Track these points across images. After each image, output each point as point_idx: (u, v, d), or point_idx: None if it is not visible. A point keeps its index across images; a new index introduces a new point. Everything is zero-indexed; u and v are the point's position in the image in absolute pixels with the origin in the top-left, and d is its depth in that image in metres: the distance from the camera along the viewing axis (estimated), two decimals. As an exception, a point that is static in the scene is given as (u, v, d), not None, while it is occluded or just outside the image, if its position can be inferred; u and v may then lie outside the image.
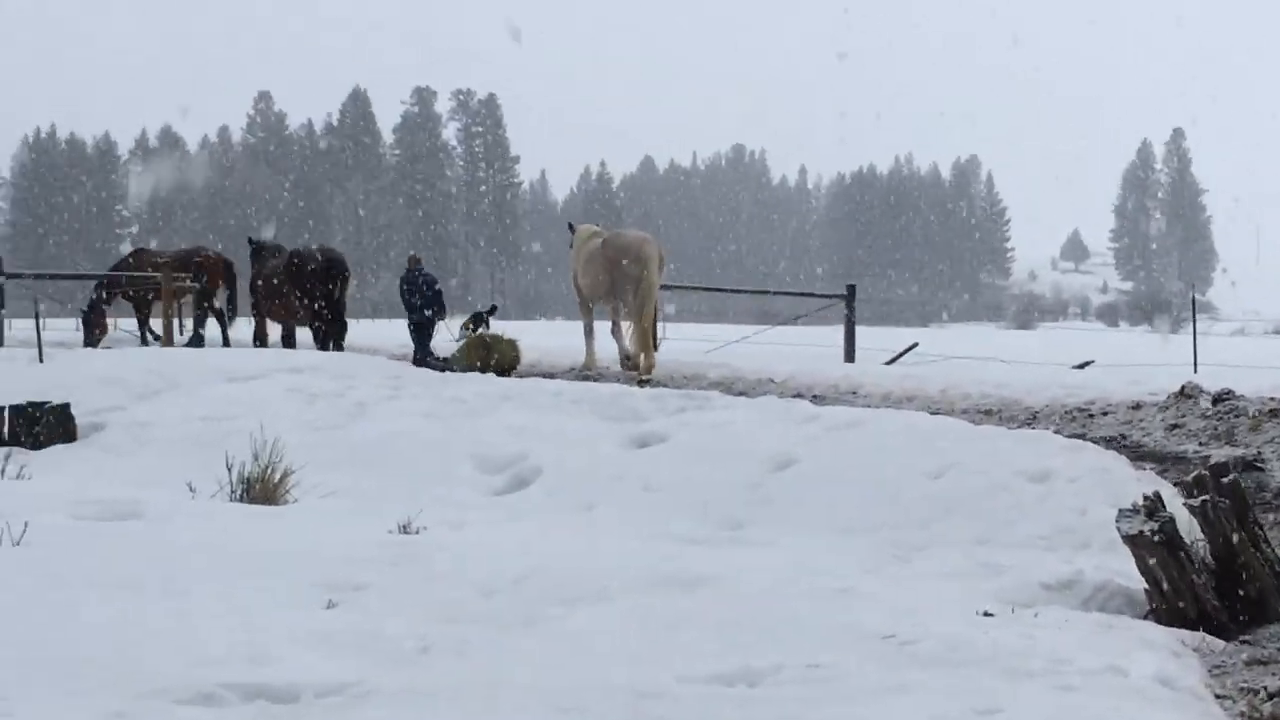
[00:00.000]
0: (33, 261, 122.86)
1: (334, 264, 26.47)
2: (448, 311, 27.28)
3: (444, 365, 23.53)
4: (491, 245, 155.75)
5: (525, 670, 6.56)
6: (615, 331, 24.84)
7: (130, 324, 32.54)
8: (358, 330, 29.82)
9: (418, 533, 10.31)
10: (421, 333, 26.42)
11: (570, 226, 27.36)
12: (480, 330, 24.95)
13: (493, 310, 26.20)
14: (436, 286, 26.67)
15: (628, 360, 23.93)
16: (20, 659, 6.11)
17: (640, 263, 23.99)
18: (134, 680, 5.94)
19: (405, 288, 26.80)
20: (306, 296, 26.06)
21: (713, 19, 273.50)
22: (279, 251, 27.68)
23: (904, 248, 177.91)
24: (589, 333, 25.12)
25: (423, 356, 25.49)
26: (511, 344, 24.36)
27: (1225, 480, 9.01)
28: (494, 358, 23.80)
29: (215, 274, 30.45)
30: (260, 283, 27.20)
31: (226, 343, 29.85)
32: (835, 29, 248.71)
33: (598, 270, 24.48)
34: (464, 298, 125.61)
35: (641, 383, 21.05)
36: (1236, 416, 15.41)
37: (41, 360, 19.48)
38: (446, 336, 26.88)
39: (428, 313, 26.43)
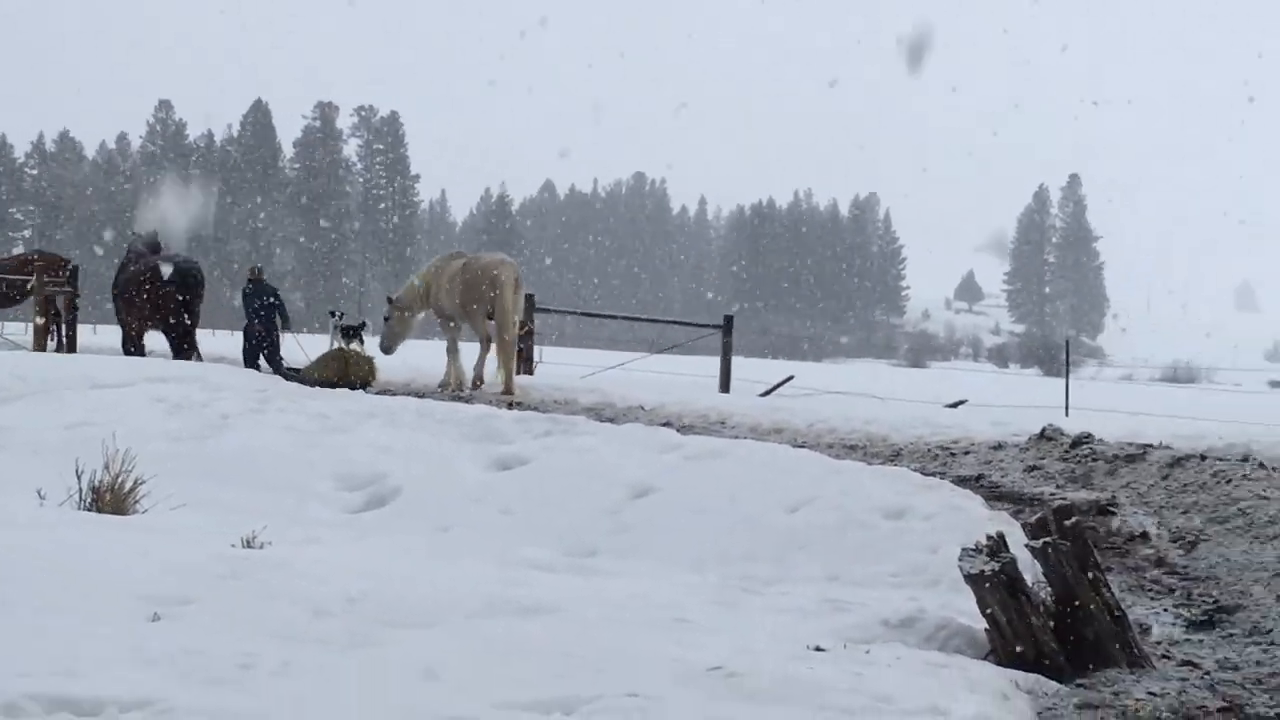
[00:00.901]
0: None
1: (187, 276, 26.24)
2: (292, 325, 27.01)
3: (295, 377, 23.34)
4: (388, 263, 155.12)
5: (341, 693, 6.46)
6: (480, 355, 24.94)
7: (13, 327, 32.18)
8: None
9: (261, 548, 10.14)
10: (263, 346, 26.06)
11: (389, 299, 27.11)
12: (341, 345, 24.79)
13: (362, 326, 25.92)
14: (274, 300, 26.33)
15: (479, 382, 24.19)
16: None
17: (495, 285, 24.16)
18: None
19: (246, 301, 26.39)
20: (159, 306, 25.92)
21: (623, 44, 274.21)
22: (145, 257, 27.33)
23: (800, 282, 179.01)
24: (453, 352, 25.06)
25: (275, 369, 25.19)
26: (368, 360, 24.21)
27: (1068, 523, 9.02)
28: (349, 373, 23.64)
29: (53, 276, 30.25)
30: (118, 288, 27.07)
31: (71, 347, 29.69)
32: (739, 60, 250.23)
33: (458, 291, 24.55)
34: (357, 315, 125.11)
35: (511, 405, 21.00)
36: (1094, 460, 15.54)
37: (-102, 360, 19.18)
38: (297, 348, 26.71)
39: (262, 326, 26.10)
